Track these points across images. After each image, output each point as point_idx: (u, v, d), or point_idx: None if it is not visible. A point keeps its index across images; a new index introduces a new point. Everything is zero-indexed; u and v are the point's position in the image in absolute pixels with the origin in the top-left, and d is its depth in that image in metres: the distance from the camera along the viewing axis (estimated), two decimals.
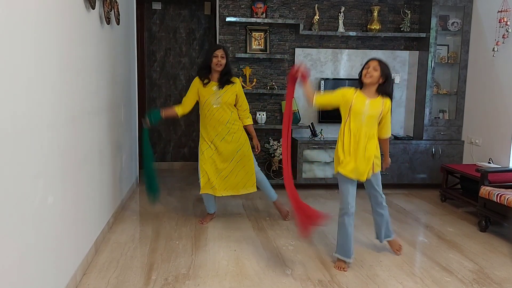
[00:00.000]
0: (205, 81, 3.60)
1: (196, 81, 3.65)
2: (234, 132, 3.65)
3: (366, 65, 2.89)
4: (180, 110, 3.67)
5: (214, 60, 3.54)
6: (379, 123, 2.94)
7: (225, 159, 3.66)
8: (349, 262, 2.96)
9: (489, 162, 4.61)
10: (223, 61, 3.55)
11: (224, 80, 3.59)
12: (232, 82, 3.64)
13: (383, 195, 3.10)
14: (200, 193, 3.70)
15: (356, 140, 2.86)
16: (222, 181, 3.67)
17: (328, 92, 2.88)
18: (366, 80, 2.86)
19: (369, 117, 2.86)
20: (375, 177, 3.00)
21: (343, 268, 2.93)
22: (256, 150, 3.87)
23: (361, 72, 2.91)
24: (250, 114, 3.78)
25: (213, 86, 3.59)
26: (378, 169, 2.98)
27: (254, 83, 5.08)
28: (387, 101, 2.90)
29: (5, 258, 1.74)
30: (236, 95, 3.64)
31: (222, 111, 3.60)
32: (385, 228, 3.17)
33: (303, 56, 5.21)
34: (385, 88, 2.88)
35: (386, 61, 2.92)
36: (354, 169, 2.86)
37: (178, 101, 6.02)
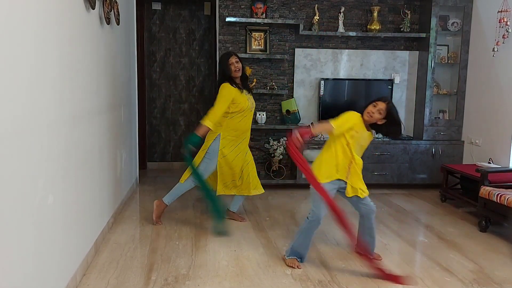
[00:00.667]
0: (237, 89, 3.57)
1: (232, 89, 3.52)
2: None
3: (375, 102, 2.84)
4: (212, 124, 3.47)
5: (232, 67, 3.57)
6: None
7: (245, 160, 3.72)
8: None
9: (489, 162, 4.61)
10: (240, 66, 3.60)
11: (247, 86, 3.70)
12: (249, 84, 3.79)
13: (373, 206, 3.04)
14: (226, 193, 3.76)
15: (348, 160, 2.86)
16: (243, 182, 3.74)
17: (343, 122, 2.85)
18: (365, 117, 2.85)
19: (360, 148, 2.91)
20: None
21: (297, 266, 2.94)
22: None
23: (367, 105, 2.87)
24: None
25: (244, 92, 3.64)
26: (365, 195, 2.95)
27: (254, 83, 5.08)
28: (370, 134, 2.91)
29: (5, 258, 1.74)
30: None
31: (252, 114, 3.71)
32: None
33: (303, 57, 5.21)
34: (382, 128, 2.86)
35: (395, 107, 2.88)
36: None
37: (178, 101, 6.09)
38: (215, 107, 3.48)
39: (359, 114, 2.90)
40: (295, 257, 2.99)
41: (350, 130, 2.85)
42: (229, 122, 3.57)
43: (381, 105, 2.82)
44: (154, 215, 3.73)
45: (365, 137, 2.89)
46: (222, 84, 3.54)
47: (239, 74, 3.60)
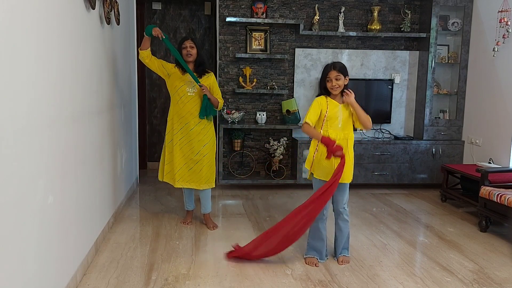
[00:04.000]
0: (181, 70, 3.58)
1: (170, 64, 3.68)
2: (205, 124, 3.61)
3: (327, 77, 2.91)
4: (146, 53, 3.57)
5: (184, 51, 3.55)
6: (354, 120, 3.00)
7: (193, 150, 3.58)
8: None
9: (490, 162, 4.61)
10: (193, 51, 3.56)
11: (200, 71, 3.60)
12: (207, 72, 3.66)
13: (346, 207, 3.08)
14: (161, 180, 3.77)
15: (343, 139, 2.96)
16: (187, 172, 3.62)
17: (311, 112, 2.93)
18: (335, 92, 2.92)
19: (344, 121, 2.94)
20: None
21: (315, 264, 2.98)
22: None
23: (322, 81, 2.95)
24: (222, 99, 3.72)
25: (187, 76, 3.56)
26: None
27: (254, 83, 5.08)
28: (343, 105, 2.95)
29: (5, 258, 1.74)
30: (210, 88, 3.61)
31: (197, 100, 3.57)
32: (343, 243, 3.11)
33: (303, 56, 5.21)
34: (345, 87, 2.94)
35: (339, 62, 3.04)
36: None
37: None
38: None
39: (322, 96, 2.97)
40: (313, 255, 3.01)
41: (321, 113, 2.93)
42: (172, 104, 3.64)
43: (333, 74, 2.90)
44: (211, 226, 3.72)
45: (343, 109, 2.95)
46: None
47: (190, 59, 3.56)
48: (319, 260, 3.02)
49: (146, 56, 3.56)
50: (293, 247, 3.29)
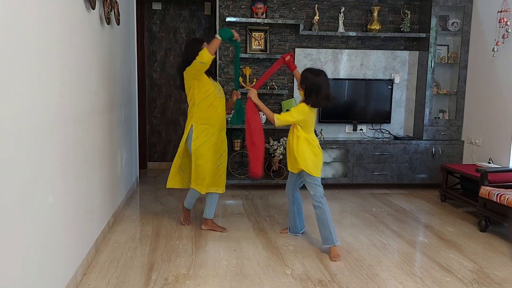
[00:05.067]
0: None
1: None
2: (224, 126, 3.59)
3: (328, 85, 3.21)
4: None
5: None
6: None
7: (217, 153, 3.51)
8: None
9: (489, 162, 4.62)
10: None
11: (213, 73, 3.57)
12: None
13: (311, 193, 3.29)
14: (202, 192, 3.52)
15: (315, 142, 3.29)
16: (214, 176, 3.55)
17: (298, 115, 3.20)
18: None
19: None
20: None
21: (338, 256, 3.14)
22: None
23: (322, 89, 3.18)
24: None
25: (209, 78, 3.45)
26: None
27: (254, 83, 5.07)
28: (300, 104, 3.23)
29: (6, 258, 1.74)
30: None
31: (224, 104, 3.53)
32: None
33: (303, 56, 5.22)
34: (308, 96, 3.16)
35: (317, 70, 3.21)
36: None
37: (179, 101, 6.09)
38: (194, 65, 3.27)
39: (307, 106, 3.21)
40: (332, 244, 3.17)
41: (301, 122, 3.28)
42: (197, 110, 3.38)
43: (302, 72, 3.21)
44: (219, 230, 3.63)
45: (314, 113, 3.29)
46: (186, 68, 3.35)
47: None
48: (289, 232, 3.56)
49: (209, 62, 3.28)
50: (293, 247, 3.30)
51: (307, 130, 3.22)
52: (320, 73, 3.17)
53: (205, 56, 3.21)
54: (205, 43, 3.34)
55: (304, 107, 3.15)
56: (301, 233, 3.56)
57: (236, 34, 3.35)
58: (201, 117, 3.40)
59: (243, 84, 4.96)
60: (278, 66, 3.53)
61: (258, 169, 3.22)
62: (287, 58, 3.48)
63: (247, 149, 3.36)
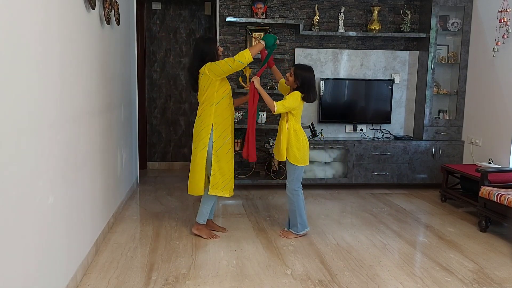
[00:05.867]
0: None
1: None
2: None
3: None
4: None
5: (219, 57, 3.35)
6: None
7: (232, 153, 3.45)
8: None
9: (489, 162, 4.61)
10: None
11: None
12: None
13: (287, 184, 3.49)
14: (226, 196, 3.40)
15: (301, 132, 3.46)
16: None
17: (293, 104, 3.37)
18: (287, 84, 3.47)
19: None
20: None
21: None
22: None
23: (311, 82, 3.40)
24: None
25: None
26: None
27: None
28: (294, 92, 3.39)
29: (6, 258, 1.74)
30: None
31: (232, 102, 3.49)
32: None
33: (303, 56, 5.21)
34: (302, 90, 3.34)
35: (306, 65, 3.41)
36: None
37: (179, 101, 6.09)
38: (225, 64, 3.19)
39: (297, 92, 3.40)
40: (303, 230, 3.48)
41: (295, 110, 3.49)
42: (217, 109, 3.28)
43: (291, 69, 3.38)
44: (206, 237, 3.44)
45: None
46: (207, 64, 3.24)
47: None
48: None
49: (247, 63, 3.25)
50: (293, 247, 3.30)
51: (297, 120, 3.44)
52: (310, 69, 3.41)
53: (247, 56, 3.19)
54: (219, 45, 3.39)
55: (297, 95, 3.34)
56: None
57: (277, 41, 3.39)
58: (221, 117, 3.32)
59: (243, 84, 4.96)
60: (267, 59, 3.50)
61: (251, 151, 3.41)
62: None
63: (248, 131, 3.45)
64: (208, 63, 3.25)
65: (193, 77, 3.36)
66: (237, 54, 3.21)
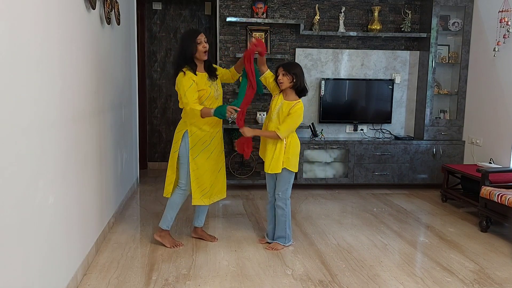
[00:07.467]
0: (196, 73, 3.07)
1: (189, 74, 3.01)
2: (220, 126, 3.29)
3: (278, 78, 3.12)
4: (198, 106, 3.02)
5: (200, 47, 3.01)
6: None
7: (217, 158, 3.26)
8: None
9: (490, 162, 4.61)
10: (207, 46, 3.06)
11: (213, 70, 3.17)
12: (215, 69, 3.24)
13: (280, 194, 3.23)
14: (206, 204, 3.27)
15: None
16: (215, 184, 3.30)
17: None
18: (281, 87, 3.14)
19: (277, 115, 3.14)
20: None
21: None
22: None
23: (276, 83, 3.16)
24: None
25: (205, 77, 3.10)
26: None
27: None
28: (298, 105, 3.10)
29: (6, 258, 1.74)
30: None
31: (221, 102, 3.22)
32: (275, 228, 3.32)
33: (303, 56, 5.21)
34: (298, 86, 3.10)
35: (292, 61, 3.20)
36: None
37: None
38: (185, 96, 2.96)
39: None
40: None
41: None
42: (194, 116, 3.03)
43: (280, 71, 3.09)
44: (168, 245, 3.25)
45: (284, 105, 3.14)
46: (179, 74, 3.00)
47: (206, 57, 3.08)
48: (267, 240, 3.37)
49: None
50: (294, 248, 3.30)
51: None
52: (297, 63, 3.31)
53: (197, 114, 2.96)
54: (201, 34, 3.02)
55: (301, 107, 3.10)
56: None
57: (229, 111, 2.96)
58: (198, 123, 3.09)
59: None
60: (251, 65, 3.10)
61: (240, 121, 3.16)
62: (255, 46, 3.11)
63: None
64: (180, 76, 2.99)
65: (175, 73, 3.09)
66: (195, 105, 2.96)
